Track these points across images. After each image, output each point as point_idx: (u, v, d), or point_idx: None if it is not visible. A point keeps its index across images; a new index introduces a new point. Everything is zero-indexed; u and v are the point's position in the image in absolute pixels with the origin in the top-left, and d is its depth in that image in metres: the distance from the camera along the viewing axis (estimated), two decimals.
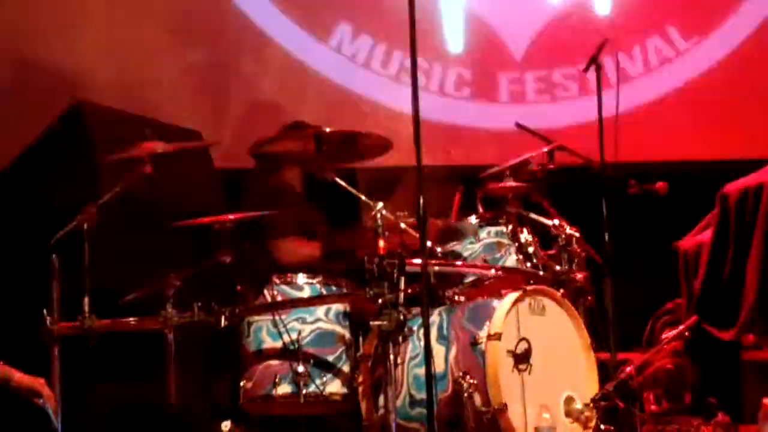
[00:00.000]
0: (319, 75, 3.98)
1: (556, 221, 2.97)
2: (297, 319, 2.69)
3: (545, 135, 3.12)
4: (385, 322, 2.58)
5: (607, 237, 2.81)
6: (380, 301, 2.57)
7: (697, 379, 2.90)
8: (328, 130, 2.68)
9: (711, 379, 2.91)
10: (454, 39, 4.07)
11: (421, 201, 2.36)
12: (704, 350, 2.91)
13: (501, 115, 3.91)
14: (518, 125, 3.28)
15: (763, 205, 2.70)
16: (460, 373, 2.60)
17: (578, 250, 2.89)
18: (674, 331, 2.80)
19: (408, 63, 2.46)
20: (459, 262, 2.85)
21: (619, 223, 2.90)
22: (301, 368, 2.64)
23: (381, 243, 2.63)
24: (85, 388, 2.92)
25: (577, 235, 2.91)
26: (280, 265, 2.91)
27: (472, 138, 3.91)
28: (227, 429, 2.66)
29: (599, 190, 2.85)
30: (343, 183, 2.73)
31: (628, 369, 2.70)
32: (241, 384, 2.69)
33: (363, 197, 2.67)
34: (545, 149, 2.97)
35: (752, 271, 2.70)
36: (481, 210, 2.97)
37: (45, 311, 2.57)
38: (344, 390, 2.69)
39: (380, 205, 2.61)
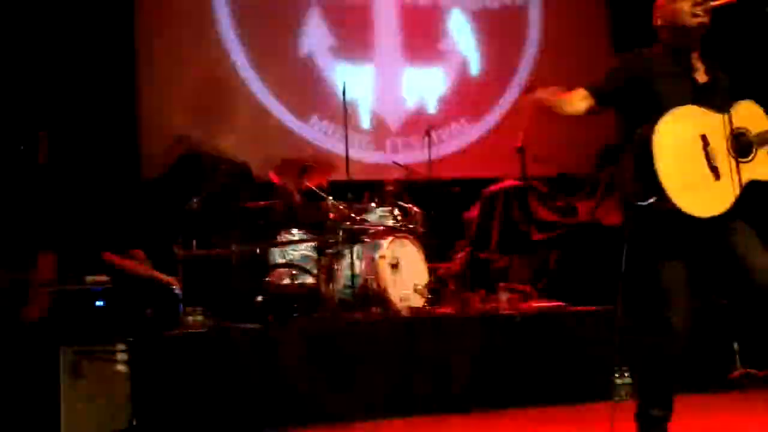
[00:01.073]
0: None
1: (411, 205, 5.40)
2: (293, 250, 5.23)
3: (404, 165, 5.82)
4: (331, 250, 5.23)
5: (432, 213, 5.52)
6: (331, 241, 5.29)
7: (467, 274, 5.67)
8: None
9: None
10: (365, 118, 6.97)
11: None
12: (475, 262, 5.77)
13: (387, 157, 6.69)
14: (395, 162, 5.95)
15: (499, 201, 5.49)
16: (366, 275, 4.94)
17: (420, 219, 5.40)
18: (460, 254, 5.69)
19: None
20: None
21: (435, 208, 5.58)
22: (294, 271, 5.17)
23: (331, 215, 5.35)
24: None
25: (420, 212, 5.41)
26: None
27: (375, 165, 6.72)
28: (260, 299, 5.23)
29: (430, 191, 5.60)
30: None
31: (440, 270, 5.52)
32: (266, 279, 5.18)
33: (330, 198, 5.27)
34: (405, 172, 5.73)
35: (495, 230, 5.59)
36: (377, 199, 5.41)
37: None
38: (313, 281, 5.03)
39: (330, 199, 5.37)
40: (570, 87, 3.05)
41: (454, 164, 6.77)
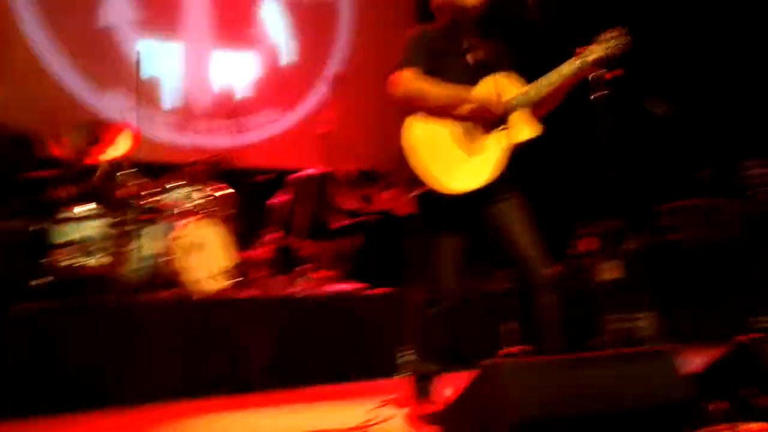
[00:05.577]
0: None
1: (222, 185, 5.21)
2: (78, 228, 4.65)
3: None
4: (124, 229, 4.71)
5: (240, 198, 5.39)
6: (123, 219, 4.78)
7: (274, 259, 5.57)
8: None
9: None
10: (168, 98, 6.62)
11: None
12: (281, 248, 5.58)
13: (190, 139, 6.47)
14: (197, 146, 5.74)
15: (305, 188, 5.38)
16: (163, 256, 4.74)
17: (230, 201, 5.18)
18: (267, 239, 5.59)
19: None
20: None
21: (245, 194, 5.35)
22: (77, 251, 4.55)
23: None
24: None
25: (230, 193, 5.18)
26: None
27: (175, 147, 6.39)
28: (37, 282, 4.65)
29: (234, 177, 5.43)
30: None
31: (247, 255, 5.30)
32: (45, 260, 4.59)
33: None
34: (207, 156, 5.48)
35: (300, 217, 5.45)
36: (187, 178, 5.12)
37: None
38: (100, 262, 4.55)
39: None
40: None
41: (261, 152, 6.61)
